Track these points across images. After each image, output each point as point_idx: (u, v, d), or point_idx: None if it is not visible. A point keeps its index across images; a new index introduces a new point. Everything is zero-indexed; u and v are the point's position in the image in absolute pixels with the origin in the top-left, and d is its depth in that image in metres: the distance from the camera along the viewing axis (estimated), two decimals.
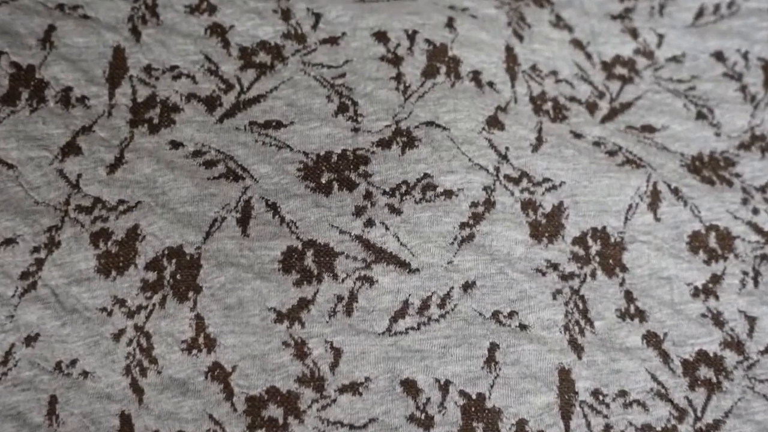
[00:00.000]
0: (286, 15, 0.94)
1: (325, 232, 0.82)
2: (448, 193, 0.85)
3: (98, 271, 0.80)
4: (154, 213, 0.82)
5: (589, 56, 1.01)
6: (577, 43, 1.01)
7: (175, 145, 0.85)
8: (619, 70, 1.02)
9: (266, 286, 0.79)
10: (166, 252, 0.80)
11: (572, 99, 0.97)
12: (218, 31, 0.93)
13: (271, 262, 0.80)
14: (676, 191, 0.92)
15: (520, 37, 0.98)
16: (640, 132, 0.96)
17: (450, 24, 0.96)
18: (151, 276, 0.80)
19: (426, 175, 0.86)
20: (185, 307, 0.79)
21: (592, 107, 0.97)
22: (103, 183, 0.83)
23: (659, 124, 0.98)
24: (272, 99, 0.89)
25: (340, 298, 0.80)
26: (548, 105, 0.95)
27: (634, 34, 1.05)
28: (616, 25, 1.05)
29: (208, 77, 0.90)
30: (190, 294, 0.79)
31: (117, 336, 0.79)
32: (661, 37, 1.05)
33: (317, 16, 0.95)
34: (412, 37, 0.94)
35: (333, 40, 0.94)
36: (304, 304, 0.80)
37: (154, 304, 0.79)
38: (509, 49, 0.97)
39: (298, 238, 0.81)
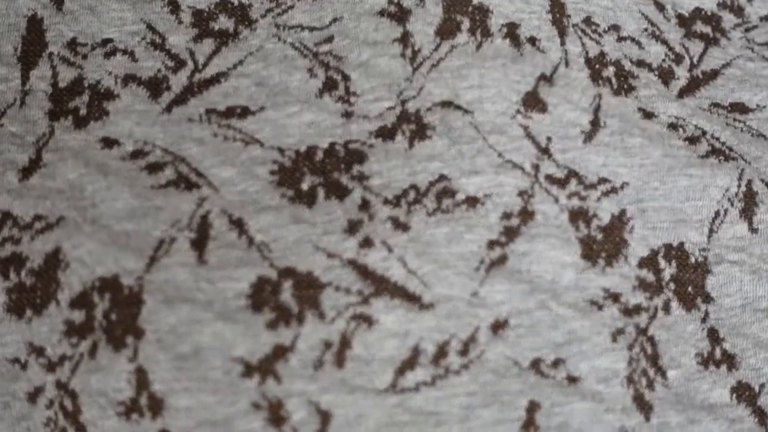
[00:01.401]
0: None
1: (308, 257, 0.77)
2: (472, 201, 0.81)
3: (8, 311, 0.77)
4: (82, 232, 0.78)
5: (661, 7, 0.96)
6: None
7: (109, 143, 0.82)
8: (701, 27, 0.97)
9: (231, 330, 0.75)
10: (97, 284, 0.77)
11: (641, 63, 0.91)
12: None
13: (237, 298, 0.76)
14: None
15: None
16: (728, 112, 0.91)
17: None
18: (78, 316, 0.76)
19: (442, 177, 0.81)
20: (122, 356, 0.75)
21: (666, 75, 0.91)
22: (14, 193, 0.80)
23: (754, 102, 0.92)
24: (236, 77, 0.85)
25: (328, 345, 0.76)
26: (610, 71, 0.90)
27: None
28: None
29: (152, 53, 0.86)
30: (129, 340, 0.75)
31: (33, 396, 0.75)
32: None
33: None
34: None
35: None
36: (280, 352, 0.75)
37: (81, 354, 0.75)
38: None
39: (271, 265, 0.77)
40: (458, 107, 0.85)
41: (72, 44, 0.86)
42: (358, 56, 0.86)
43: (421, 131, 0.83)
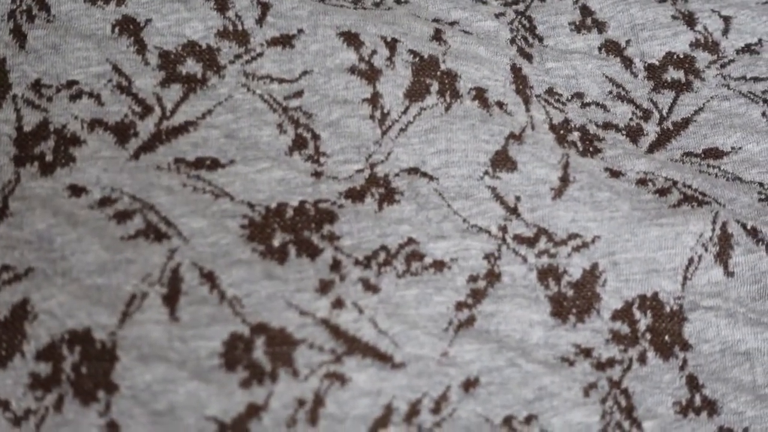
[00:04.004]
0: (221, 4, 0.91)
1: (281, 313, 0.78)
2: (439, 265, 0.82)
3: None
4: (52, 284, 0.78)
5: (629, 62, 0.97)
6: (612, 46, 0.98)
7: (76, 191, 0.82)
8: (672, 74, 0.97)
9: (205, 389, 0.76)
10: (66, 336, 0.76)
11: (607, 125, 0.93)
12: (130, 28, 0.89)
13: (210, 357, 0.76)
14: (754, 232, 0.88)
15: (529, 57, 0.96)
16: (702, 159, 0.92)
17: (437, 36, 0.93)
18: (44, 369, 0.76)
19: (410, 241, 0.83)
20: (92, 411, 0.75)
21: (635, 133, 0.93)
22: None
23: (729, 145, 0.93)
24: (205, 128, 0.85)
25: (301, 403, 0.76)
26: (575, 135, 0.91)
27: (690, 20, 1.00)
28: (665, 9, 1.01)
29: (118, 96, 0.86)
30: (100, 394, 0.75)
31: None
32: (727, 20, 1.01)
33: (264, 7, 0.91)
34: (391, 45, 0.91)
35: (286, 40, 0.90)
36: (253, 411, 0.76)
37: (46, 408, 0.75)
38: (516, 69, 0.94)
39: (244, 321, 0.78)
40: (424, 174, 0.86)
41: (36, 86, 0.85)
42: (328, 115, 0.87)
43: (389, 195, 0.85)
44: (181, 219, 0.81)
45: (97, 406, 0.75)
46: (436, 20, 0.96)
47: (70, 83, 0.86)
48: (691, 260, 0.86)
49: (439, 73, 0.91)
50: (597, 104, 0.94)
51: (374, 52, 0.90)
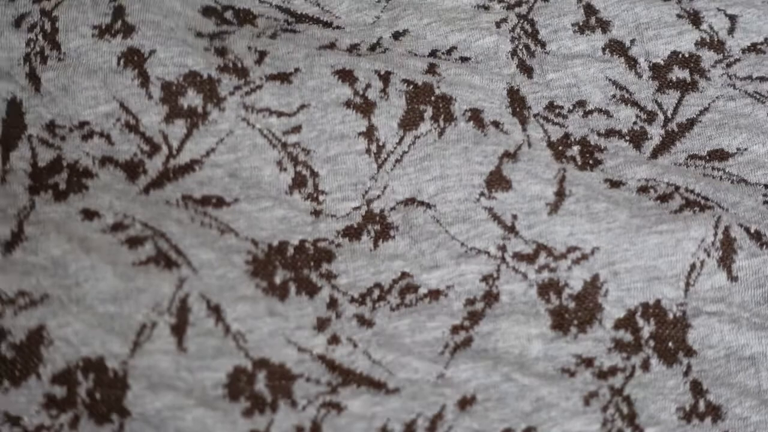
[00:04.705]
0: (221, 52, 0.95)
1: (281, 350, 0.82)
2: (434, 294, 0.86)
3: None
4: (67, 312, 0.81)
5: (633, 62, 0.99)
6: (617, 46, 0.99)
7: (89, 215, 0.86)
8: (677, 73, 0.98)
9: (210, 416, 0.79)
10: (81, 363, 0.80)
11: (609, 133, 0.94)
12: (134, 59, 0.92)
13: (215, 387, 0.81)
14: (758, 236, 0.87)
15: (529, 71, 0.97)
16: (707, 162, 0.93)
17: (432, 70, 0.96)
18: (60, 391, 0.79)
19: (404, 275, 0.86)
20: (107, 430, 0.79)
21: (638, 138, 0.94)
22: None
23: (734, 146, 0.93)
24: (210, 167, 0.90)
25: (300, 430, 0.80)
26: (574, 150, 0.92)
27: (695, 19, 1.01)
28: (670, 8, 1.01)
29: (127, 135, 0.90)
30: (114, 416, 0.79)
31: None
32: (733, 19, 1.01)
33: (262, 54, 0.95)
34: (385, 77, 0.94)
35: (284, 77, 0.94)
36: None
37: (61, 425, 0.78)
38: (513, 93, 0.96)
39: (247, 355, 0.82)
40: (421, 203, 0.89)
41: (50, 126, 0.90)
42: (326, 151, 0.91)
43: (384, 232, 0.88)
44: (191, 249, 0.85)
45: (112, 426, 0.79)
46: (433, 52, 0.99)
47: (82, 124, 0.90)
48: (693, 266, 0.86)
49: (433, 98, 0.93)
50: (600, 111, 0.95)
51: (368, 85, 0.93)
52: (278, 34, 0.97)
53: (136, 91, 0.91)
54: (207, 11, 0.98)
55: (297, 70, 0.94)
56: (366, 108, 0.92)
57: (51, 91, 0.91)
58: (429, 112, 0.93)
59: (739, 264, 0.87)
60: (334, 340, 0.83)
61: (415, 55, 0.98)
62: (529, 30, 1.00)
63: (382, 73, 0.94)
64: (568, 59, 0.98)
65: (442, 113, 0.93)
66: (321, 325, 0.84)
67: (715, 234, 0.87)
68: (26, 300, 0.81)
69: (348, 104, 0.93)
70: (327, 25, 1.00)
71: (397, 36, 1.00)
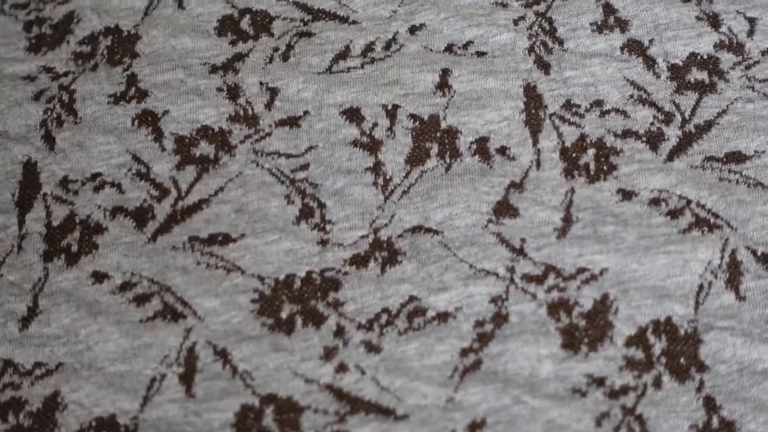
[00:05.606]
0: (233, 93, 0.97)
1: (288, 383, 0.83)
2: (443, 316, 0.85)
3: None
4: (79, 376, 0.84)
5: (651, 62, 0.98)
6: (635, 46, 0.99)
7: (99, 277, 0.88)
8: (696, 75, 0.97)
9: None
10: (93, 423, 0.82)
11: (626, 134, 0.94)
12: (149, 119, 0.96)
13: (222, 427, 0.81)
14: (764, 259, 0.88)
15: (546, 67, 0.98)
16: (723, 164, 0.92)
17: (443, 82, 0.97)
18: None
19: (412, 298, 0.86)
20: None
21: (655, 139, 0.94)
22: (15, 342, 0.86)
23: (752, 149, 0.93)
24: (217, 204, 0.91)
25: None
26: (588, 155, 0.92)
27: (714, 21, 1.01)
28: (690, 10, 1.01)
29: (137, 183, 0.93)
30: None
31: None
32: (752, 22, 1.01)
33: (273, 92, 0.97)
34: (392, 113, 0.95)
35: (292, 121, 0.96)
36: None
37: None
38: (530, 90, 0.96)
39: (254, 392, 0.83)
40: (428, 230, 0.89)
41: (64, 182, 0.93)
42: (333, 184, 0.92)
43: (392, 258, 0.88)
44: (196, 299, 0.86)
45: None
46: (449, 47, 0.99)
47: (94, 176, 0.93)
48: (701, 287, 0.86)
49: (438, 134, 0.94)
50: (617, 111, 0.95)
51: (375, 124, 0.95)
52: (292, 48, 0.99)
53: (150, 144, 0.94)
54: (223, 26, 1.01)
55: (306, 113, 0.96)
56: (373, 146, 0.94)
57: (65, 149, 0.94)
58: (435, 149, 0.94)
59: (746, 285, 0.87)
60: (342, 368, 0.83)
61: (431, 50, 0.99)
62: (547, 28, 1.00)
63: (389, 108, 0.96)
64: (586, 58, 0.98)
65: (447, 149, 0.94)
66: (328, 354, 0.84)
67: (722, 257, 0.87)
68: (42, 370, 0.84)
69: (355, 143, 0.94)
70: (343, 20, 1.02)
71: (413, 30, 1.01)
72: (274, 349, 0.84)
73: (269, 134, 0.95)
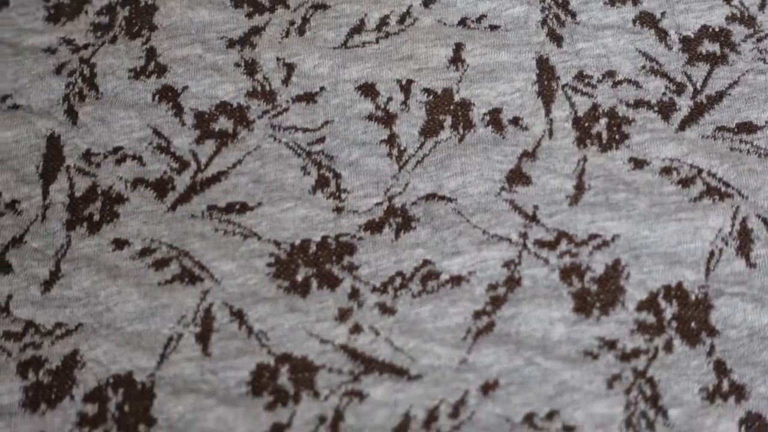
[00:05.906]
0: (251, 68, 0.99)
1: (303, 343, 0.84)
2: (456, 280, 0.87)
3: (23, 406, 0.83)
4: (98, 335, 0.86)
5: (663, 35, 1.00)
6: (647, 18, 1.00)
7: (120, 244, 0.90)
8: (707, 47, 0.99)
9: (232, 413, 0.82)
10: (111, 380, 0.84)
11: (638, 104, 0.95)
12: (168, 95, 0.98)
13: (238, 385, 0.83)
14: None
15: (559, 39, 0.99)
16: (734, 134, 0.93)
17: (456, 57, 0.99)
18: (91, 409, 0.83)
19: (426, 262, 0.87)
20: None
21: (667, 109, 0.95)
22: (38, 304, 0.88)
23: (762, 119, 0.94)
24: (235, 175, 0.93)
25: (322, 419, 0.81)
26: (600, 124, 0.94)
27: None
28: None
29: (158, 156, 0.95)
30: (141, 427, 0.82)
31: None
32: None
33: (289, 68, 0.99)
34: (406, 88, 0.97)
35: (309, 97, 0.98)
36: (278, 429, 0.81)
37: None
38: (542, 62, 0.98)
39: (269, 352, 0.84)
40: (442, 197, 0.91)
41: (86, 155, 0.95)
42: (348, 155, 0.93)
43: (406, 223, 0.90)
44: (213, 263, 0.88)
45: None
46: (462, 20, 1.01)
47: (116, 149, 0.95)
48: (711, 253, 0.87)
49: (452, 106, 0.96)
50: (629, 81, 0.96)
51: (390, 99, 0.96)
52: (308, 21, 1.01)
53: (170, 119, 0.96)
54: None
55: (322, 89, 0.97)
56: (388, 119, 0.95)
57: (87, 123, 0.96)
58: (448, 121, 0.95)
59: (756, 252, 0.88)
60: (356, 329, 0.84)
61: (445, 24, 1.00)
62: (560, 1, 1.01)
63: (404, 82, 0.97)
64: (598, 30, 0.99)
65: (461, 121, 0.95)
66: (342, 315, 0.85)
67: (732, 225, 0.88)
68: (62, 330, 0.86)
69: (370, 117, 0.96)
70: None
71: (427, 3, 1.02)
72: (290, 310, 0.85)
73: (286, 110, 0.96)
